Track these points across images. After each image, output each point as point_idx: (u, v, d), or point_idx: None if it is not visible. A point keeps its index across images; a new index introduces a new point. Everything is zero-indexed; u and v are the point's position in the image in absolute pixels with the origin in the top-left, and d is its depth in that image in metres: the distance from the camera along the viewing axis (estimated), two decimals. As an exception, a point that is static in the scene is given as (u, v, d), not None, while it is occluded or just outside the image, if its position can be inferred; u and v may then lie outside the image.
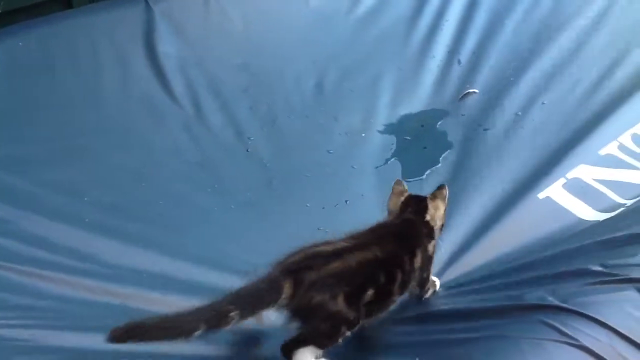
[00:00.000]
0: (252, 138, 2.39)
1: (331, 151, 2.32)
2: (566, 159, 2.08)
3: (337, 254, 1.38)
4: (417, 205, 1.58)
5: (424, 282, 1.59)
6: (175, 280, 1.81)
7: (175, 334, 1.25)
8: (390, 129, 2.41)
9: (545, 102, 2.34)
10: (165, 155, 2.32)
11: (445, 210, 1.60)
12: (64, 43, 2.68)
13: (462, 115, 2.39)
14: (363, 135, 2.38)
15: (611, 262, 1.37)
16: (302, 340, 1.37)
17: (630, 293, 1.28)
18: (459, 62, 2.59)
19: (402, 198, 1.59)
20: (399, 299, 1.53)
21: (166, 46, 2.67)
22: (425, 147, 2.32)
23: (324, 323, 1.36)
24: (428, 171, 2.18)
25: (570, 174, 2.03)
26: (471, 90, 2.47)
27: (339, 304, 1.35)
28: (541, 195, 1.98)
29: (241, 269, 1.82)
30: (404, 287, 1.49)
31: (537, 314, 1.31)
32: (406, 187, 1.62)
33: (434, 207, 1.58)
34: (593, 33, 2.56)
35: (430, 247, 1.57)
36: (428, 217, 1.56)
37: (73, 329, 1.64)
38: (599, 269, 1.36)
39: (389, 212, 1.60)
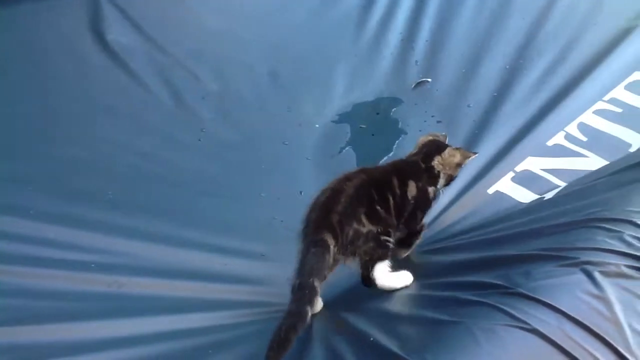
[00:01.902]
0: (204, 129, 2.35)
1: (286, 142, 2.31)
2: (514, 152, 2.11)
3: (338, 191, 1.50)
4: (433, 147, 1.66)
5: (416, 222, 1.64)
6: (127, 265, 1.80)
7: (301, 325, 1.35)
8: (344, 117, 2.41)
9: (495, 93, 2.37)
10: (114, 146, 2.27)
11: (460, 164, 1.67)
12: (6, 31, 2.59)
13: (415, 104, 2.40)
14: (317, 125, 2.37)
15: (561, 246, 1.39)
16: (368, 265, 1.52)
17: (579, 277, 1.30)
18: (414, 52, 2.59)
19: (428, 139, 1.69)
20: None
21: (114, 33, 2.61)
22: (374, 135, 2.33)
23: (370, 243, 1.50)
24: (382, 159, 2.18)
25: (519, 167, 2.07)
26: (424, 79, 2.49)
27: (366, 224, 1.50)
28: (491, 190, 2.00)
29: (196, 251, 1.85)
30: (400, 210, 1.57)
31: (489, 298, 1.32)
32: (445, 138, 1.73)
33: (450, 154, 1.65)
34: (541, 24, 2.59)
35: (430, 191, 1.64)
36: (436, 162, 1.63)
37: (30, 322, 1.61)
38: (549, 253, 1.38)
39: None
